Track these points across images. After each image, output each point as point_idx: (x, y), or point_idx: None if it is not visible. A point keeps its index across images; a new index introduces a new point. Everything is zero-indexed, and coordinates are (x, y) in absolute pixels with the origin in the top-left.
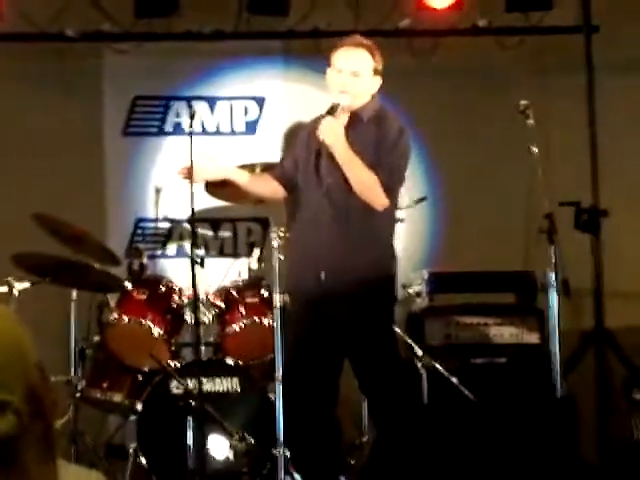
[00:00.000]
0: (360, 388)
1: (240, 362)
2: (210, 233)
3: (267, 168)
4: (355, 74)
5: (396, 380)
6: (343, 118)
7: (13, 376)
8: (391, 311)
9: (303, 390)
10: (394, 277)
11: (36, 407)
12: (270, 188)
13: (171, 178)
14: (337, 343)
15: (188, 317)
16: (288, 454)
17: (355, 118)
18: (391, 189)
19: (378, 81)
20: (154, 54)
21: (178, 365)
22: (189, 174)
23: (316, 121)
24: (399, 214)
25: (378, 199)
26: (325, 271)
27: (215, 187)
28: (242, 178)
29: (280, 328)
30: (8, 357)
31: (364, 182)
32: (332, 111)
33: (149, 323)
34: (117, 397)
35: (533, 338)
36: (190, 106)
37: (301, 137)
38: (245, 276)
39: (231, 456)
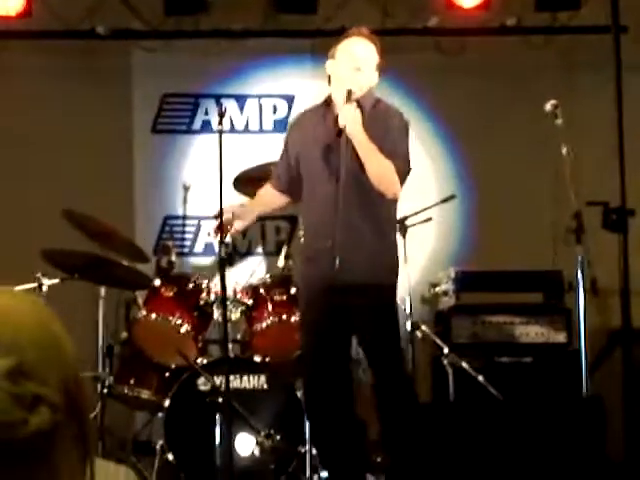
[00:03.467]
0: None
1: (267, 359)
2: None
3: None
4: (364, 63)
5: (399, 365)
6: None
7: (49, 370)
8: (395, 299)
9: (321, 382)
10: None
11: (72, 403)
12: (277, 199)
13: (200, 176)
14: (348, 329)
15: (216, 314)
16: (315, 451)
17: (361, 109)
18: (404, 177)
19: (377, 77)
20: (183, 52)
21: (205, 362)
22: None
23: (317, 111)
24: (429, 213)
25: (394, 187)
26: (340, 259)
27: (245, 184)
28: (252, 212)
29: None
30: (44, 350)
31: (382, 170)
32: (348, 97)
33: (177, 320)
34: (145, 393)
35: (560, 337)
36: (219, 104)
37: (304, 131)
38: (273, 274)
39: (258, 453)
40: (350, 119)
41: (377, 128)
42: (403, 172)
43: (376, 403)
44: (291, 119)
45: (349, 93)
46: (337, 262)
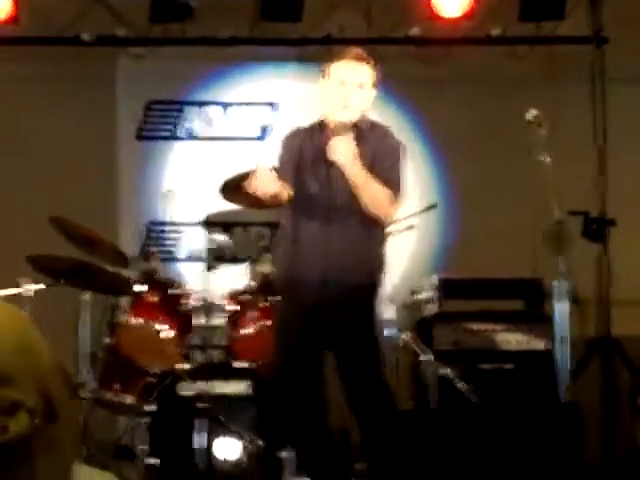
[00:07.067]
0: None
1: (250, 365)
2: (222, 237)
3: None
4: (360, 86)
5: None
6: (349, 134)
7: (26, 377)
8: (375, 315)
9: (296, 393)
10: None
11: (49, 409)
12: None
13: (184, 182)
14: (325, 347)
15: (199, 320)
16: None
17: (357, 132)
18: (398, 202)
19: (373, 95)
20: (168, 59)
21: (188, 367)
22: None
23: (310, 131)
24: (411, 221)
25: (388, 212)
26: (331, 279)
27: (232, 191)
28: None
29: None
30: (22, 358)
31: (377, 198)
32: (340, 129)
33: (160, 325)
34: (128, 399)
35: (540, 345)
36: (204, 111)
37: (299, 147)
38: (256, 280)
39: (240, 458)
40: (343, 152)
41: (373, 150)
42: (398, 197)
43: (354, 415)
44: (285, 134)
45: (341, 125)
46: (329, 284)
